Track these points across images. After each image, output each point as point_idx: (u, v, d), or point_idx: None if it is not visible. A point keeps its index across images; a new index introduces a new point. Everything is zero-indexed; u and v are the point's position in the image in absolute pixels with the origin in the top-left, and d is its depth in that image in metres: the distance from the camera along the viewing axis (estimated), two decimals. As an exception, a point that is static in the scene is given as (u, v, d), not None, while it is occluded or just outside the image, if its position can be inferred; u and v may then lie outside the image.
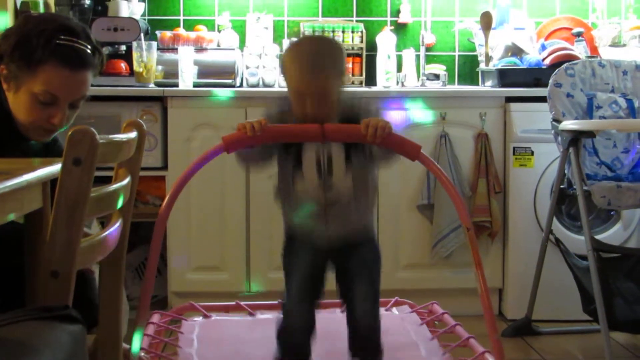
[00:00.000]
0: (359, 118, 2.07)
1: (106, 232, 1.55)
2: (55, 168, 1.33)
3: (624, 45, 3.98)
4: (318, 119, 2.06)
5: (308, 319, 2.20)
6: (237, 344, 2.42)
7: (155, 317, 2.53)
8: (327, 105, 2.08)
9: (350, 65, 4.00)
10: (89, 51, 1.98)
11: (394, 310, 2.69)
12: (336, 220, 2.15)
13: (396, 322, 2.58)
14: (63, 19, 2.01)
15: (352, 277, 2.21)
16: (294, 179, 2.13)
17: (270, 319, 2.41)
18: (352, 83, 3.98)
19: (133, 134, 1.63)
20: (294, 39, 2.26)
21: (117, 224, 1.63)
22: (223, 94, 3.54)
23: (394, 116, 3.50)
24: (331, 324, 2.35)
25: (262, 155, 2.17)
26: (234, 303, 2.69)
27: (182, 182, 2.11)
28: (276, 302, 2.58)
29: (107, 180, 1.60)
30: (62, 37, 1.93)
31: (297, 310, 2.20)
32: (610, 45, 3.99)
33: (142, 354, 2.25)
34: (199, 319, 2.64)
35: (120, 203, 1.60)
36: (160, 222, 2.05)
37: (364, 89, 3.87)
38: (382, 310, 2.67)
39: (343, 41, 3.99)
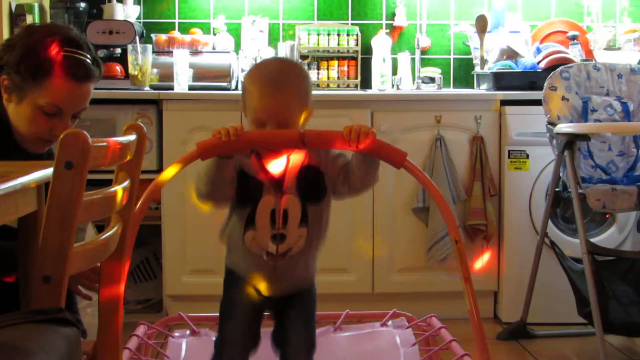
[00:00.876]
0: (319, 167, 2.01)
1: (101, 237, 1.55)
2: (49, 171, 1.33)
3: (619, 48, 3.99)
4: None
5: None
6: None
7: (141, 330, 2.44)
8: None
9: (345, 68, 4.01)
10: (91, 63, 1.99)
11: (392, 327, 2.65)
12: (284, 273, 2.05)
13: (391, 344, 2.56)
14: (66, 31, 2.01)
15: (290, 324, 2.10)
16: (246, 226, 2.02)
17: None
18: (348, 86, 3.98)
19: (132, 137, 1.63)
20: (256, 62, 2.09)
21: (115, 228, 1.63)
22: (218, 97, 3.54)
23: (390, 119, 3.52)
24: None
25: (224, 193, 2.05)
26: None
27: (158, 185, 2.03)
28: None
29: (109, 184, 1.60)
30: (67, 49, 1.94)
31: (233, 351, 2.09)
32: (605, 49, 4.00)
33: None
34: (187, 333, 2.59)
35: (117, 206, 1.60)
36: (134, 221, 1.94)
37: (359, 91, 3.88)
38: (377, 326, 2.66)
39: (338, 44, 4.00)
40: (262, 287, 2.07)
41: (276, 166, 1.99)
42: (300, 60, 3.93)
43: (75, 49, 1.96)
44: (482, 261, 3.60)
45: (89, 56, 1.99)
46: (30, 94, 1.93)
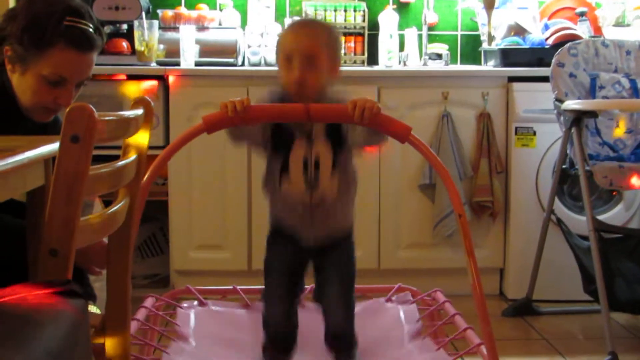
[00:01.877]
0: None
1: (108, 211, 1.56)
2: (56, 145, 1.34)
3: (628, 25, 3.97)
4: (305, 93, 2.02)
5: (289, 310, 2.19)
6: (232, 334, 2.41)
7: (149, 302, 2.47)
8: (314, 77, 2.03)
9: (352, 44, 4.00)
10: (94, 32, 1.99)
11: (396, 304, 2.67)
12: (321, 221, 2.14)
13: (395, 320, 2.57)
14: (68, 0, 2.01)
15: (328, 278, 2.21)
16: (280, 178, 2.11)
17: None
18: (354, 62, 3.97)
19: (139, 111, 1.63)
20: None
21: (122, 202, 1.63)
22: (225, 73, 3.54)
23: (397, 96, 3.52)
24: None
25: (252, 140, 2.17)
26: (231, 287, 2.67)
27: (163, 161, 2.05)
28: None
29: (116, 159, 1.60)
30: (69, 19, 1.94)
31: (277, 305, 2.19)
32: (614, 25, 3.98)
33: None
34: (195, 304, 2.61)
35: (124, 180, 1.60)
36: (140, 194, 1.96)
37: (366, 68, 3.87)
38: (381, 301, 2.68)
39: (345, 20, 3.99)
40: (300, 236, 2.15)
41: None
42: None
43: (77, 18, 1.96)
44: (488, 238, 3.60)
45: (91, 25, 1.99)
46: (33, 64, 1.93)
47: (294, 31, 2.11)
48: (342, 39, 3.96)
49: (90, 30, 1.98)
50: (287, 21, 2.35)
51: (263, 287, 2.23)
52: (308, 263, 2.24)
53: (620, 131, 3.13)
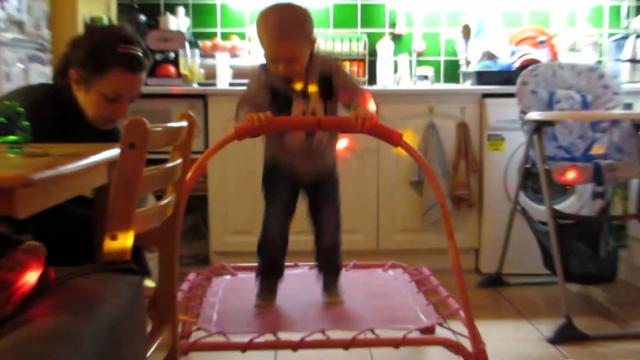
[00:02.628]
0: (332, 76, 2.11)
1: (159, 204, 1.56)
2: (117, 151, 1.34)
3: (579, 50, 3.95)
4: (293, 75, 2.07)
5: (284, 234, 2.25)
6: (253, 292, 2.40)
7: (191, 276, 2.51)
8: (297, 65, 2.07)
9: (355, 68, 3.99)
10: (142, 56, 1.99)
11: (390, 271, 2.67)
12: (315, 161, 2.20)
13: (390, 280, 2.57)
14: (121, 30, 2.01)
15: (320, 202, 2.26)
16: (285, 131, 2.16)
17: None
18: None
19: (184, 123, 1.63)
20: (264, 9, 2.09)
21: (170, 197, 1.63)
22: (253, 91, 3.54)
23: (392, 109, 3.51)
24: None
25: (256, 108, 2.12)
26: (256, 264, 2.68)
27: (203, 161, 2.09)
28: (291, 264, 2.58)
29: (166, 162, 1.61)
30: (123, 46, 1.94)
31: (276, 226, 2.24)
32: (568, 51, 3.96)
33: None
34: (227, 278, 2.62)
35: (172, 179, 1.61)
36: (184, 190, 1.97)
37: (367, 87, 3.86)
38: (379, 271, 2.68)
39: (350, 49, 3.98)
40: (298, 173, 2.22)
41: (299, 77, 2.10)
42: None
43: (129, 45, 1.96)
44: (466, 224, 3.59)
45: (140, 50, 1.99)
46: (95, 84, 1.93)
47: (274, 38, 2.03)
48: (347, 63, 3.96)
49: (140, 54, 1.98)
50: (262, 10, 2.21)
51: (265, 214, 2.27)
52: (301, 192, 2.29)
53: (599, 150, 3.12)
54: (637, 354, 2.52)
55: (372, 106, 2.08)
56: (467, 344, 1.99)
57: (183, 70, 3.67)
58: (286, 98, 2.10)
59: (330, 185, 2.28)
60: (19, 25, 2.93)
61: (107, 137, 2.08)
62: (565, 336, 2.64)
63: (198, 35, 4.02)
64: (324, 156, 2.22)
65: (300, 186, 2.27)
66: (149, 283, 2.15)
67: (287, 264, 2.37)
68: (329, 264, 2.29)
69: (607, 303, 3.15)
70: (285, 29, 2.03)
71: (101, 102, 1.96)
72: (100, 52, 1.92)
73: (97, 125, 2.03)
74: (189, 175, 1.91)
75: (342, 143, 2.37)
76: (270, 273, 2.29)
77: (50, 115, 1.91)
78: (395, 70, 3.99)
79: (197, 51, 3.72)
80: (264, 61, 2.14)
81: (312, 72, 2.11)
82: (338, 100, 2.16)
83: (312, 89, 2.11)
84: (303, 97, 2.10)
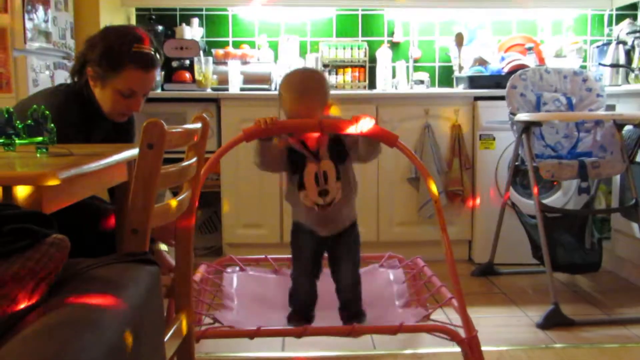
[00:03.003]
0: (342, 138, 2.07)
1: (176, 199, 1.55)
2: (136, 151, 1.34)
3: (565, 56, 3.93)
4: (307, 139, 2.05)
5: (310, 290, 2.20)
6: (263, 291, 2.39)
7: (202, 268, 2.48)
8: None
9: (357, 73, 3.98)
10: (155, 53, 1.98)
11: (388, 270, 2.65)
12: (332, 217, 2.13)
13: (384, 282, 2.55)
14: (134, 30, 1.99)
15: (339, 258, 2.19)
16: (299, 188, 2.11)
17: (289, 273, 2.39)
18: (358, 87, 3.95)
19: (198, 125, 1.63)
20: (287, 72, 2.17)
21: (186, 193, 1.63)
22: (262, 96, 3.53)
23: (390, 112, 3.49)
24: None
25: (274, 166, 2.15)
26: (263, 257, 2.67)
27: (214, 160, 2.08)
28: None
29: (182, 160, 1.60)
30: (136, 45, 1.93)
31: (302, 282, 2.20)
32: (554, 56, 3.94)
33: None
34: (237, 269, 2.60)
35: (187, 177, 1.60)
36: (199, 182, 1.95)
37: (367, 91, 3.85)
38: (376, 268, 2.65)
39: (351, 55, 3.97)
40: (317, 229, 2.16)
41: (312, 141, 2.09)
42: (321, 68, 3.91)
43: (142, 44, 1.94)
44: (459, 217, 3.58)
45: (152, 49, 1.97)
46: (110, 81, 1.92)
47: (296, 94, 2.03)
48: (348, 69, 3.95)
49: (152, 53, 1.97)
50: (287, 72, 2.16)
51: (292, 270, 2.24)
52: (324, 249, 2.22)
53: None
54: (620, 339, 2.51)
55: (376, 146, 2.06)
56: (460, 331, 1.98)
57: (197, 76, 3.67)
58: (300, 159, 2.09)
59: (348, 242, 2.20)
60: (46, 35, 2.93)
61: (120, 126, 2.07)
62: (553, 322, 2.63)
63: (211, 44, 4.01)
64: (340, 211, 2.14)
65: (323, 241, 2.19)
66: (162, 246, 2.13)
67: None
68: (351, 315, 2.17)
69: (592, 291, 3.13)
70: (307, 86, 2.05)
71: (116, 97, 1.95)
72: (114, 51, 1.90)
73: (112, 119, 2.02)
74: (202, 171, 1.90)
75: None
76: (299, 317, 2.21)
77: (74, 116, 1.91)
78: (394, 76, 3.98)
79: (210, 59, 3.71)
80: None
81: (322, 142, 2.09)
82: (350, 164, 2.13)
83: (323, 150, 2.08)
84: (315, 159, 2.08)
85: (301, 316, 2.18)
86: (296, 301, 2.21)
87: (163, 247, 2.15)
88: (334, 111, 2.14)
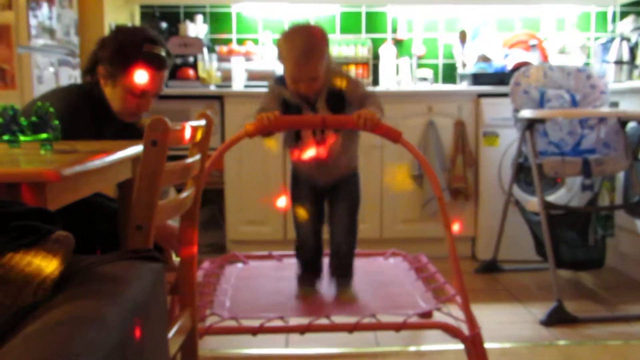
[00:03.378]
0: (343, 92, 2.06)
1: (179, 197, 1.55)
2: (140, 147, 1.33)
3: (568, 53, 3.92)
4: (311, 93, 2.04)
5: (314, 239, 2.17)
6: (265, 280, 2.38)
7: (206, 264, 2.48)
8: (317, 83, 2.04)
9: (360, 70, 3.97)
10: (165, 55, 1.99)
11: (390, 259, 2.65)
12: (328, 169, 2.14)
13: (391, 268, 2.55)
14: (146, 31, 2.00)
15: (336, 206, 2.18)
16: (295, 140, 2.12)
17: (292, 263, 2.38)
18: (362, 84, 3.95)
19: (202, 122, 1.62)
20: (287, 30, 2.08)
21: (190, 190, 1.63)
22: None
23: (394, 109, 3.49)
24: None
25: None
26: (267, 253, 2.66)
27: (217, 156, 2.06)
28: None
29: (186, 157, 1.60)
30: (147, 46, 1.94)
31: (305, 231, 2.17)
32: (557, 53, 3.93)
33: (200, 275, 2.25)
34: (240, 264, 2.60)
35: (191, 174, 1.60)
36: (203, 177, 1.94)
37: (371, 88, 3.83)
38: (380, 259, 2.65)
39: (355, 53, 3.96)
40: (315, 180, 2.16)
41: (311, 92, 2.06)
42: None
43: (153, 44, 1.95)
44: (463, 214, 3.57)
45: (163, 50, 1.98)
46: (121, 80, 1.93)
47: (299, 61, 1.99)
48: (352, 66, 3.94)
49: (163, 53, 1.98)
50: (287, 31, 2.10)
51: (294, 218, 2.20)
52: (324, 196, 2.21)
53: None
54: (623, 336, 2.50)
55: (379, 113, 2.02)
56: (463, 328, 1.98)
57: (201, 74, 3.66)
58: (297, 110, 2.08)
59: (347, 189, 2.19)
60: (50, 32, 2.93)
61: (136, 128, 2.07)
62: (557, 319, 2.62)
63: (215, 41, 4.01)
64: (337, 164, 2.14)
65: (322, 189, 2.19)
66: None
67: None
68: (340, 267, 2.18)
69: (596, 288, 3.12)
70: (310, 52, 2.00)
71: (126, 96, 1.95)
72: (126, 51, 1.91)
73: (122, 118, 2.02)
74: (206, 165, 1.89)
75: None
76: (308, 272, 2.23)
77: (85, 116, 1.91)
78: (397, 73, 3.97)
79: (214, 56, 3.70)
80: (278, 75, 2.15)
81: (320, 95, 2.08)
82: (348, 113, 2.08)
83: (321, 102, 2.07)
84: (312, 110, 2.07)
85: (309, 269, 2.19)
86: (302, 255, 2.20)
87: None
88: (340, 82, 2.08)
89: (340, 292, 2.19)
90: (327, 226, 2.22)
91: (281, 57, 2.06)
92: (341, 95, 2.08)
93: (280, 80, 2.12)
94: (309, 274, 2.22)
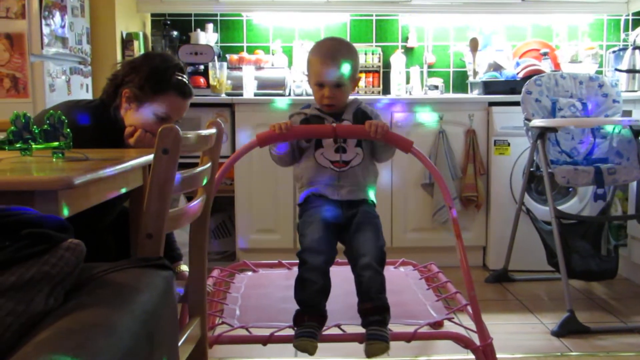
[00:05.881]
0: (368, 114, 2.05)
1: (188, 205, 1.56)
2: (151, 156, 1.34)
3: (580, 61, 3.90)
4: (334, 103, 2.00)
5: (323, 276, 1.86)
6: (275, 289, 2.36)
7: (215, 272, 2.47)
8: (341, 94, 2.00)
9: (370, 79, 3.97)
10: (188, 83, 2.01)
11: (401, 268, 2.64)
12: (346, 178, 2.02)
13: (401, 277, 2.54)
14: (175, 59, 2.04)
15: (359, 224, 1.94)
16: (316, 148, 2.03)
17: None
18: (372, 93, 3.95)
19: (213, 130, 1.63)
20: (318, 41, 2.10)
21: (200, 199, 1.63)
22: (276, 101, 3.54)
23: (404, 117, 3.49)
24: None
25: (290, 158, 2.09)
26: (276, 262, 2.66)
27: (228, 166, 2.08)
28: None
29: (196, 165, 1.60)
30: (177, 74, 1.97)
31: (313, 264, 1.86)
32: (569, 62, 3.92)
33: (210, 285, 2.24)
34: (249, 273, 2.60)
35: (203, 182, 1.60)
36: (214, 186, 1.92)
37: (381, 96, 3.84)
38: (390, 268, 2.62)
39: (365, 61, 3.96)
40: (329, 191, 2.02)
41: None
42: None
43: (182, 73, 1.99)
44: (474, 223, 3.56)
45: (187, 79, 2.01)
46: (147, 104, 1.94)
47: (323, 62, 1.98)
48: (362, 75, 3.95)
49: (188, 82, 2.01)
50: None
51: (300, 251, 1.91)
52: (338, 221, 1.96)
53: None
54: (637, 347, 2.48)
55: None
56: (475, 338, 1.96)
57: (212, 82, 3.68)
58: (319, 120, 2.05)
59: (367, 213, 1.98)
60: (62, 40, 2.95)
61: None
62: (569, 329, 2.60)
63: (225, 49, 4.03)
64: (355, 178, 2.03)
65: (337, 223, 1.97)
66: (184, 267, 2.15)
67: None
68: (373, 309, 1.82)
69: (608, 298, 3.10)
70: (338, 51, 1.99)
71: (149, 120, 1.95)
72: (159, 76, 1.94)
73: (127, 141, 2.00)
74: (216, 176, 1.89)
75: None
76: (309, 316, 1.85)
77: (88, 134, 1.87)
78: (408, 81, 3.97)
79: (224, 64, 3.72)
80: (307, 103, 2.12)
81: (348, 110, 2.07)
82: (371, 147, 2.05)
83: (347, 116, 2.04)
84: (337, 119, 2.04)
85: (311, 316, 1.84)
86: (305, 293, 1.85)
87: (184, 267, 2.16)
88: (364, 107, 2.07)
89: (372, 345, 1.82)
90: (347, 253, 1.95)
91: (309, 64, 2.04)
92: (366, 116, 2.05)
93: (306, 107, 2.11)
94: (310, 317, 1.84)
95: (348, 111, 2.06)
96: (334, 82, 1.98)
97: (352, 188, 2.02)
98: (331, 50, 2.00)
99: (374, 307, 1.84)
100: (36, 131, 1.48)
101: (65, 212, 1.18)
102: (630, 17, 4.06)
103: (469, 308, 2.05)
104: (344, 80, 2.00)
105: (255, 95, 3.65)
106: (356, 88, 2.08)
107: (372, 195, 2.08)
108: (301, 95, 3.77)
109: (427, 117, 3.52)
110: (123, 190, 1.50)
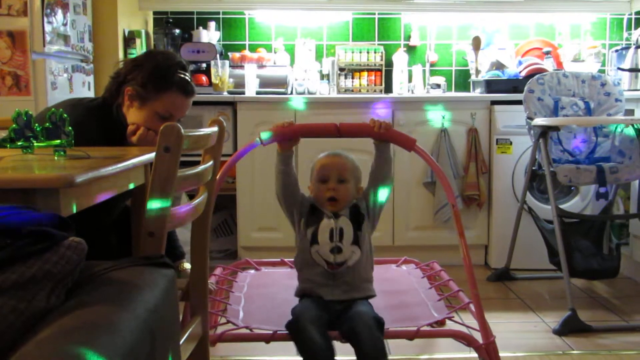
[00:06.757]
0: (360, 206, 2.00)
1: (190, 205, 1.55)
2: (153, 154, 1.34)
3: (583, 60, 3.90)
4: (336, 199, 1.95)
5: (324, 341, 1.76)
6: (277, 287, 2.35)
7: (218, 270, 2.46)
8: (344, 190, 1.97)
9: (373, 77, 3.97)
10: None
11: (403, 266, 2.63)
12: (340, 279, 1.96)
13: (403, 275, 2.53)
14: (178, 57, 2.03)
15: (355, 312, 1.86)
16: (311, 243, 1.98)
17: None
18: (375, 91, 3.94)
19: (215, 129, 1.63)
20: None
21: (202, 197, 1.63)
22: (278, 99, 3.53)
23: (407, 116, 3.48)
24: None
25: (292, 187, 2.04)
26: (279, 260, 2.66)
27: (231, 163, 2.08)
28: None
29: (198, 163, 1.60)
30: (180, 72, 1.97)
31: (311, 333, 1.76)
32: (572, 61, 3.91)
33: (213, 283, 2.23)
34: (252, 271, 2.59)
35: (205, 180, 1.60)
36: (215, 187, 1.90)
37: (383, 95, 3.83)
38: (392, 267, 2.62)
39: (368, 59, 3.96)
40: (323, 291, 1.96)
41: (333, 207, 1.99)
42: (337, 72, 3.89)
43: (185, 72, 1.98)
44: (475, 222, 3.55)
45: (190, 77, 2.01)
46: (150, 102, 1.94)
47: (328, 159, 2.01)
48: (364, 73, 3.94)
49: (191, 81, 2.01)
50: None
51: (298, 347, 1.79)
52: (331, 318, 1.89)
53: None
54: (638, 345, 2.47)
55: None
56: (477, 336, 1.96)
57: (214, 80, 3.68)
58: (318, 213, 2.00)
59: (362, 306, 1.90)
60: (64, 38, 2.95)
61: None
62: (570, 328, 2.60)
63: (228, 47, 4.03)
64: (350, 278, 1.97)
65: (331, 306, 1.93)
66: (187, 265, 2.15)
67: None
68: None
69: (610, 297, 3.09)
70: (341, 153, 2.03)
71: (153, 119, 1.94)
72: (162, 74, 1.93)
73: (129, 140, 2.00)
74: (218, 175, 1.89)
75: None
76: None
77: (92, 132, 1.87)
78: (410, 80, 3.96)
79: (226, 62, 3.72)
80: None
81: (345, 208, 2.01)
82: (368, 232, 2.01)
83: (344, 212, 1.99)
84: (334, 217, 1.99)
85: None
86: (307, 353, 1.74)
87: (187, 265, 2.16)
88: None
89: None
90: (349, 338, 1.82)
91: (313, 170, 2.03)
92: (359, 210, 2.01)
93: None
94: None
95: (345, 209, 2.00)
96: (338, 176, 1.97)
97: (346, 288, 1.97)
98: (335, 151, 2.03)
99: None
100: (38, 129, 1.48)
101: (67, 210, 1.18)
102: (633, 16, 4.05)
103: (472, 306, 2.04)
104: (347, 176, 1.98)
105: (257, 93, 3.65)
106: (358, 195, 2.02)
107: (369, 289, 2.02)
108: (303, 93, 3.77)
109: (429, 116, 3.51)
110: (131, 186, 1.50)
